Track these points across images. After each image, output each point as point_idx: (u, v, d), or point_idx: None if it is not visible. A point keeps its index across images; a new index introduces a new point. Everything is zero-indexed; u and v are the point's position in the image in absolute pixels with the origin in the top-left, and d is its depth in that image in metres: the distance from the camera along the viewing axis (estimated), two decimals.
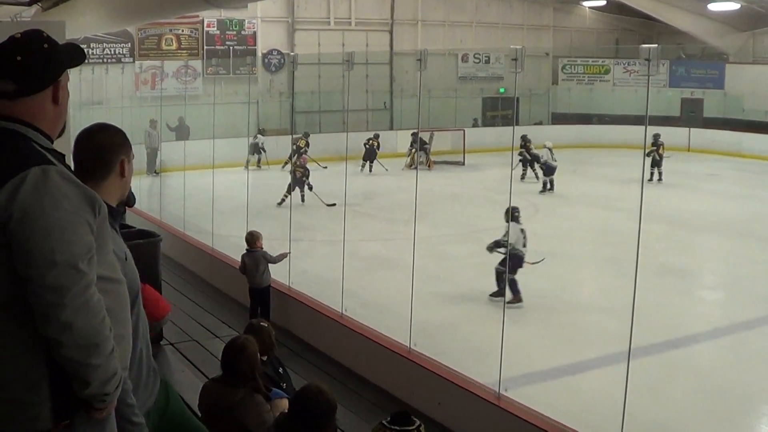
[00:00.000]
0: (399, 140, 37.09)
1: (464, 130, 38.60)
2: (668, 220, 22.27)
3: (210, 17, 37.32)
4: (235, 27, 38.43)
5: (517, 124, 42.13)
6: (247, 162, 30.17)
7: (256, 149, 32.76)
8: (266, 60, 39.08)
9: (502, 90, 45.10)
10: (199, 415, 6.57)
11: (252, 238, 14.36)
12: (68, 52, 3.70)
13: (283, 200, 24.53)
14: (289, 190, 22.99)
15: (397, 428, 4.72)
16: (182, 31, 37.32)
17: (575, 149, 41.04)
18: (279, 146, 29.72)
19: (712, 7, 42.62)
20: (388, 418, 4.81)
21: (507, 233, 15.45)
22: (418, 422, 4.81)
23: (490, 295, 16.38)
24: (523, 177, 31.35)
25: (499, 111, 45.64)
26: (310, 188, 25.49)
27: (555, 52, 47.69)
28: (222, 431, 6.12)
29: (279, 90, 39.02)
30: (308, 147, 31.36)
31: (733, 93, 45.09)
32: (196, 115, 31.04)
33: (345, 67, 14.12)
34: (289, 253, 14.71)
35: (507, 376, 10.30)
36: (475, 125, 41.79)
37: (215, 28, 37.98)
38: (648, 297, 16.19)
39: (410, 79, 39.42)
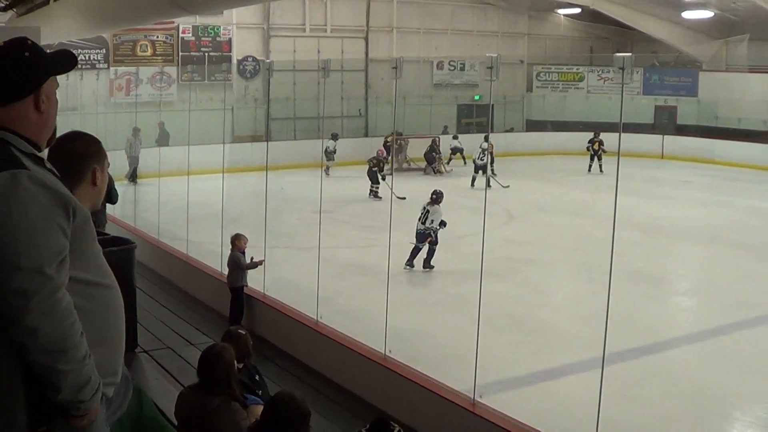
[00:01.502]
0: (374, 147, 37.11)
1: (438, 137, 38.63)
2: (641, 227, 22.37)
3: (185, 23, 37.22)
4: (211, 33, 38.36)
5: (492, 131, 42.26)
6: (327, 168, 32.52)
7: (327, 154, 33.96)
8: (241, 66, 39.00)
9: (476, 97, 45.17)
10: (175, 423, 6.57)
11: (233, 239, 14.85)
12: (55, 60, 3.70)
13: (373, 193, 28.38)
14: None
15: None
16: (157, 37, 37.23)
17: (549, 156, 41.19)
18: (254, 152, 29.65)
19: (686, 15, 42.86)
20: (367, 427, 4.82)
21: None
22: (397, 428, 4.82)
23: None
24: (472, 184, 32.51)
25: (474, 118, 45.71)
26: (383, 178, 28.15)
27: (530, 59, 47.83)
28: None
29: (254, 96, 38.98)
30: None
31: (707, 100, 45.33)
32: (170, 121, 31.01)
33: (321, 74, 14.20)
34: (263, 261, 14.81)
35: (482, 383, 10.32)
36: (444, 132, 41.76)
37: (190, 35, 37.90)
38: (621, 303, 16.29)
39: (385, 86, 39.40)
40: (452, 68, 45.65)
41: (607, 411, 9.02)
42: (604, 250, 9.25)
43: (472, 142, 37.82)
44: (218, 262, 15.97)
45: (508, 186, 31.46)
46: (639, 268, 18.70)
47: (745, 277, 19.37)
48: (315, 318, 13.24)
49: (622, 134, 19.45)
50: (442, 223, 19.47)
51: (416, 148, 36.45)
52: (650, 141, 42.30)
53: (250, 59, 39.33)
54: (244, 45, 39.44)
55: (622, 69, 8.53)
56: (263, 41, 39.93)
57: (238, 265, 14.70)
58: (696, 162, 39.46)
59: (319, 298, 13.44)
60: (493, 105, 42.72)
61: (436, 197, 19.20)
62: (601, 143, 37.33)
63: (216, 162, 19.71)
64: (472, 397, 10.05)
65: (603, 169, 36.33)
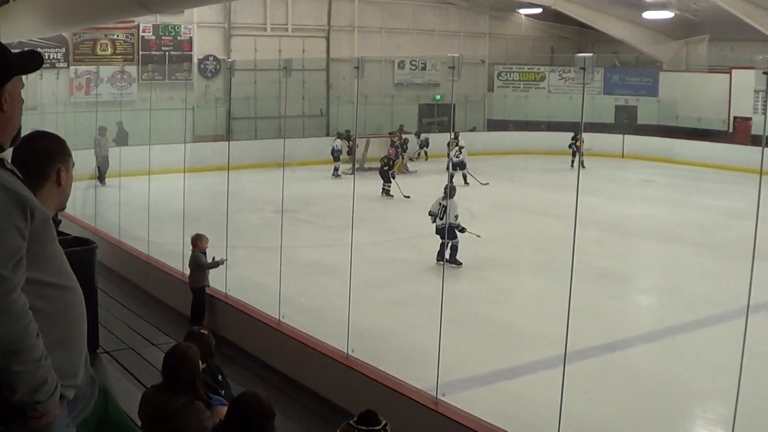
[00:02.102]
0: (335, 147, 37.13)
1: (404, 136, 38.58)
2: (602, 226, 22.49)
3: (146, 23, 37.03)
4: (171, 32, 38.20)
5: (454, 131, 42.34)
6: (336, 169, 34.71)
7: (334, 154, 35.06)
8: (202, 66, 38.85)
9: (438, 97, 45.23)
10: (138, 423, 6.55)
11: (194, 239, 14.82)
12: (21, 59, 3.67)
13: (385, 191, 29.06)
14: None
15: (364, 428, 4.73)
16: (117, 36, 37.02)
17: (510, 155, 41.31)
18: (215, 152, 29.52)
19: (647, 15, 43.15)
20: (355, 418, 4.83)
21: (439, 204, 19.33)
22: (384, 421, 4.83)
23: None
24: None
25: (435, 117, 45.77)
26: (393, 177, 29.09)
27: (491, 59, 47.92)
28: None
29: (215, 96, 38.85)
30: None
31: (667, 100, 45.67)
32: (131, 120, 30.84)
33: (283, 73, 14.17)
34: (225, 260, 14.82)
35: (445, 381, 10.35)
36: (401, 131, 41.77)
37: (151, 34, 37.72)
38: (583, 301, 16.34)
39: (347, 86, 39.43)
40: (414, 68, 45.69)
41: (569, 408, 9.06)
42: (566, 249, 9.30)
43: (433, 141, 37.95)
44: (180, 263, 15.92)
45: (487, 183, 31.77)
46: (600, 266, 18.79)
47: (706, 275, 19.51)
48: (277, 318, 13.23)
49: (584, 134, 19.55)
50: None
51: (381, 148, 36.42)
52: (611, 141, 42.55)
53: (211, 58, 39.21)
54: (204, 44, 39.30)
55: (584, 69, 8.56)
56: (224, 40, 39.81)
57: (200, 266, 14.70)
58: (656, 161, 39.70)
59: (282, 297, 13.43)
60: (454, 105, 42.80)
61: (450, 191, 19.18)
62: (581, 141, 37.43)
63: (177, 162, 19.63)
64: (435, 395, 10.07)
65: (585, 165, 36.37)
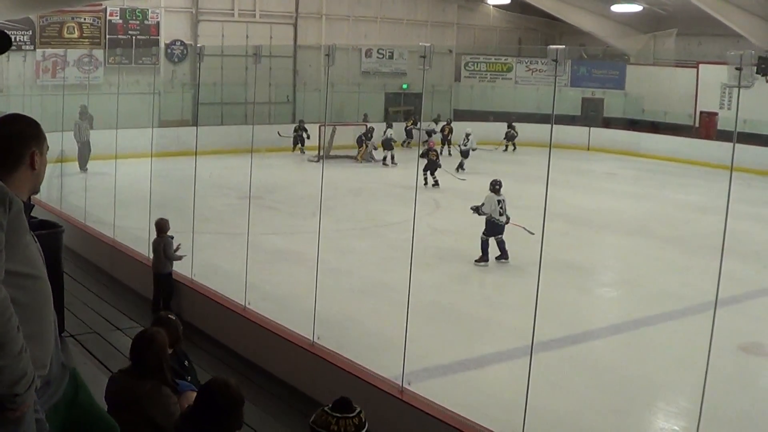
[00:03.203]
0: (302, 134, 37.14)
1: (369, 125, 38.55)
2: (567, 218, 22.57)
3: (113, 6, 36.80)
4: (138, 17, 37.96)
5: (420, 120, 42.41)
6: (384, 158, 35.66)
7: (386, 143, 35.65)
8: (169, 50, 38.66)
9: (405, 86, 45.27)
10: (105, 407, 6.52)
11: (160, 225, 14.79)
12: None
13: (426, 182, 28.70)
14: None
15: (338, 415, 4.74)
16: (84, 19, 36.74)
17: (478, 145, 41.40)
18: (181, 137, 29.37)
19: (615, 8, 43.36)
20: (330, 405, 4.83)
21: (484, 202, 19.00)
22: (358, 408, 4.84)
23: (475, 261, 18.75)
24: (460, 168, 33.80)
25: (401, 106, 45.78)
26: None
27: (458, 49, 47.98)
28: (128, 423, 6.06)
29: (181, 81, 38.68)
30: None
31: (634, 93, 45.94)
32: (97, 104, 30.65)
33: (252, 60, 14.08)
34: (185, 256, 14.85)
35: (410, 370, 10.37)
36: (365, 120, 41.80)
37: (118, 18, 37.46)
38: (547, 293, 16.41)
39: (313, 73, 39.38)
40: (381, 56, 45.66)
41: (532, 399, 9.11)
42: (530, 241, 9.34)
43: (401, 130, 37.95)
44: (145, 248, 15.83)
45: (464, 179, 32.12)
46: (565, 258, 18.86)
47: (669, 268, 19.63)
48: (243, 304, 13.21)
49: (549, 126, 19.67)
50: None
51: (347, 135, 36.40)
52: (577, 133, 42.76)
53: (178, 43, 39.01)
54: (172, 29, 39.10)
55: (556, 61, 8.58)
56: (191, 25, 39.63)
57: (166, 255, 14.68)
58: (622, 154, 39.91)
59: (247, 284, 13.41)
60: (421, 94, 42.88)
61: (499, 186, 19.34)
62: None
63: (143, 146, 19.56)
64: (400, 384, 10.09)
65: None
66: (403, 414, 9.86)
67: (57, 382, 4.15)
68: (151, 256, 15.07)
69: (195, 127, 27.96)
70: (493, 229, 19.08)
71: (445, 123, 41.26)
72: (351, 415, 4.78)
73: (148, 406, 6.42)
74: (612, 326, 15.76)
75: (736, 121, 28.07)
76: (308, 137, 36.41)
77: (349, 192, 28.21)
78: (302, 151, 36.00)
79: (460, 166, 33.86)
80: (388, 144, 36.66)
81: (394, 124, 40.09)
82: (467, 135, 34.93)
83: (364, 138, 36.37)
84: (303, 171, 31.25)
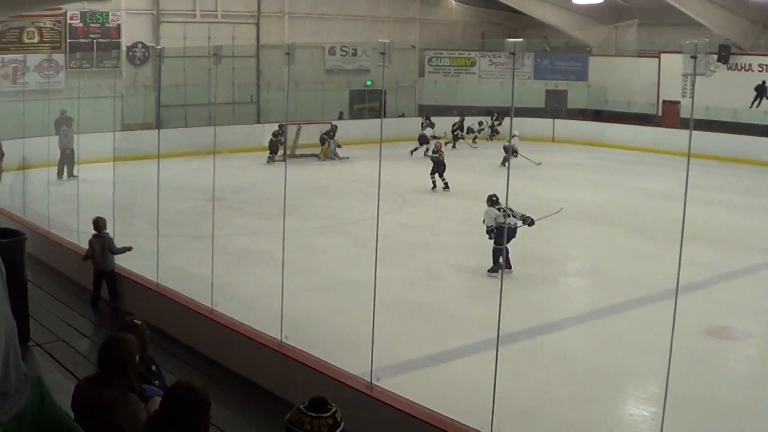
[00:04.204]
0: (267, 133, 36.99)
1: (333, 123, 38.48)
2: (533, 209, 22.60)
3: (73, 10, 36.53)
4: (99, 20, 37.72)
5: (384, 117, 42.41)
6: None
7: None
8: (131, 53, 38.45)
9: (369, 82, 45.26)
10: (72, 415, 6.49)
11: (100, 223, 15.13)
12: None
13: (434, 185, 28.60)
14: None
15: (313, 414, 4.74)
16: (44, 23, 36.48)
17: (442, 140, 41.38)
18: (144, 140, 29.24)
19: (576, 0, 43.58)
20: (306, 404, 4.83)
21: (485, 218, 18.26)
22: (334, 408, 4.84)
23: (489, 271, 17.76)
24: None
25: (366, 104, 45.77)
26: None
27: (422, 44, 48.06)
28: (95, 430, 6.04)
29: (144, 84, 38.48)
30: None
31: (597, 84, 46.19)
32: (59, 109, 30.50)
33: (212, 60, 14.05)
34: (131, 247, 15.13)
35: (379, 366, 10.40)
36: (341, 118, 41.85)
37: (78, 21, 37.20)
38: (514, 285, 16.57)
39: (277, 72, 39.25)
40: (344, 54, 45.64)
41: (501, 391, 9.14)
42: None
43: (366, 127, 37.90)
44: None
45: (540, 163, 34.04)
46: (531, 249, 18.93)
47: (635, 257, 19.74)
48: (210, 306, 13.19)
49: (515, 119, 19.76)
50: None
51: (312, 134, 36.32)
52: (541, 125, 42.95)
53: (139, 45, 38.82)
54: (133, 31, 38.88)
55: (513, 54, 8.61)
56: (153, 27, 39.45)
57: (111, 251, 15.07)
58: (587, 145, 40.09)
59: (214, 286, 13.40)
60: (385, 90, 42.91)
61: (496, 198, 18.56)
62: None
63: (107, 151, 19.44)
64: (370, 380, 10.10)
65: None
66: (373, 410, 9.87)
67: (17, 393, 4.12)
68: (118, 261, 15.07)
69: (157, 130, 27.87)
70: (501, 234, 17.96)
71: (459, 119, 41.79)
72: (325, 415, 4.79)
73: (115, 412, 6.38)
74: (579, 315, 15.86)
75: (692, 109, 28.33)
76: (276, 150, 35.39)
77: (315, 190, 28.19)
78: (274, 161, 35.12)
79: (503, 161, 34.02)
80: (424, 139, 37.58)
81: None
82: (513, 135, 34.90)
83: (326, 137, 36.32)
84: (268, 171, 31.17)
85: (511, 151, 33.42)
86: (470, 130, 42.08)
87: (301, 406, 4.83)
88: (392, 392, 10.02)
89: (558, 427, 11.07)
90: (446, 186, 28.73)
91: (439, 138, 35.68)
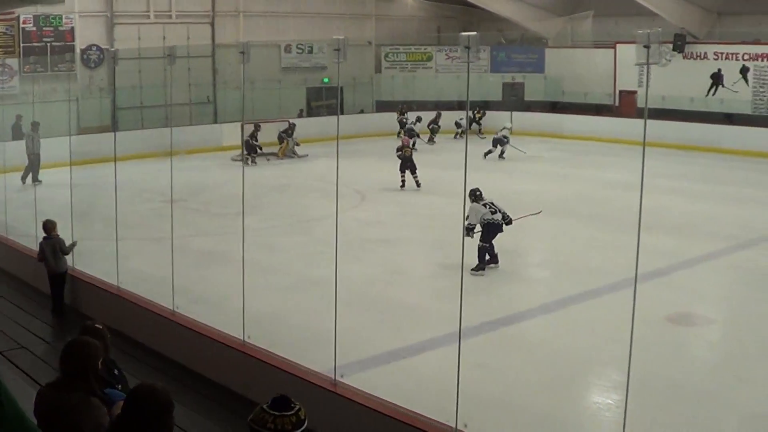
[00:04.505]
0: (224, 133, 36.86)
1: (291, 121, 38.35)
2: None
3: (26, 14, 36.20)
4: (53, 23, 37.37)
5: (342, 113, 42.38)
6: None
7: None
8: (85, 56, 38.14)
9: (326, 80, 45.16)
10: (35, 421, 6.44)
11: (50, 226, 15.28)
12: None
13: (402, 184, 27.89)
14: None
15: (276, 413, 4.73)
16: None
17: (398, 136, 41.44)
18: (101, 143, 29.02)
19: None
20: (268, 403, 4.82)
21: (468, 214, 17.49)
22: (297, 406, 4.83)
23: (472, 270, 17.44)
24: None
25: (324, 101, 45.69)
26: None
27: (377, 40, 47.97)
28: None
29: (99, 86, 38.20)
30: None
31: (553, 76, 46.37)
32: (13, 115, 30.28)
33: (167, 61, 13.98)
34: (76, 242, 15.43)
35: (343, 363, 10.41)
36: (300, 116, 41.78)
37: (31, 25, 36.84)
38: (476, 277, 16.61)
39: (233, 72, 39.01)
40: (300, 51, 45.52)
41: (466, 383, 9.17)
42: (456, 227, 9.38)
43: (324, 124, 37.83)
44: (69, 258, 15.67)
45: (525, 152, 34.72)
46: (494, 242, 18.97)
47: (594, 246, 19.86)
48: (171, 308, 13.14)
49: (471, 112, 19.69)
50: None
51: (270, 133, 36.19)
52: (499, 117, 43.01)
53: (94, 48, 38.49)
54: (87, 34, 38.53)
55: (468, 48, 8.61)
56: (107, 29, 39.13)
57: (63, 251, 15.23)
58: (545, 137, 40.22)
59: (175, 288, 13.36)
60: (342, 87, 42.85)
61: (480, 192, 18.32)
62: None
63: (63, 155, 19.30)
64: (333, 377, 10.11)
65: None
66: (338, 406, 9.90)
67: None
68: (79, 265, 15.00)
69: (113, 133, 27.69)
70: (493, 231, 18.01)
71: (436, 114, 42.00)
72: (288, 413, 4.78)
73: (78, 417, 6.34)
74: (541, 306, 15.90)
75: (646, 98, 28.54)
76: (260, 148, 34.95)
77: (274, 189, 28.14)
78: (253, 161, 34.63)
79: (500, 154, 35.19)
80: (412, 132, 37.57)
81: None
82: (504, 127, 36.01)
83: (284, 135, 36.22)
84: (226, 171, 31.00)
85: (500, 144, 34.01)
86: (458, 125, 42.36)
87: (264, 406, 4.82)
88: (356, 388, 10.04)
89: (523, 417, 11.12)
90: (417, 184, 28.06)
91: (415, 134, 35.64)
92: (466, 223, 17.54)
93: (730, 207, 24.93)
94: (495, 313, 15.01)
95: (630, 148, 30.95)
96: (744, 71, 39.40)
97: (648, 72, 8.50)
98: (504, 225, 17.98)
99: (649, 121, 9.80)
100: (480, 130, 42.15)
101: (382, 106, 46.95)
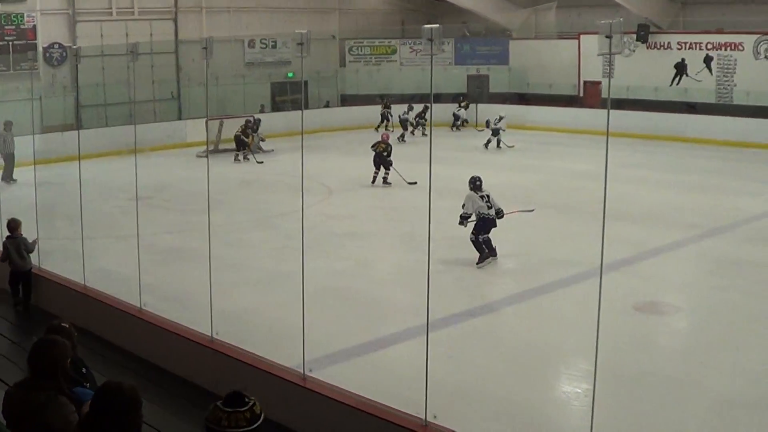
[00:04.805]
0: (189, 129, 36.75)
1: (256, 117, 38.21)
2: (458, 195, 22.66)
3: None
4: (14, 21, 37.10)
5: (307, 108, 42.36)
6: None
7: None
8: (48, 54, 37.89)
9: (290, 74, 45.07)
10: (4, 422, 6.41)
11: (14, 225, 15.28)
12: None
13: (373, 179, 27.53)
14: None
15: (229, 410, 4.72)
16: None
17: (366, 130, 41.41)
18: (65, 142, 28.86)
19: None
20: (222, 400, 4.81)
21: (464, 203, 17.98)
22: (251, 401, 4.81)
23: (477, 264, 17.72)
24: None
25: (288, 95, 45.60)
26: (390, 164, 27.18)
27: (341, 34, 47.99)
28: None
29: (62, 84, 37.96)
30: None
31: (518, 68, 46.53)
32: None
33: (130, 58, 13.90)
34: (38, 239, 15.43)
35: (312, 358, 10.42)
36: (261, 111, 41.66)
37: None
38: (444, 270, 16.63)
39: (197, 68, 38.79)
40: (264, 46, 45.44)
41: (436, 374, 9.20)
42: (424, 220, 9.39)
43: (289, 119, 37.72)
44: (35, 257, 15.58)
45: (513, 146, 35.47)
46: (458, 235, 18.98)
47: (560, 237, 19.94)
48: (138, 306, 13.09)
49: (436, 104, 19.69)
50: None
51: (235, 128, 36.07)
52: (464, 110, 43.21)
53: (56, 46, 38.24)
54: (49, 31, 38.28)
55: (431, 41, 8.62)
56: (69, 27, 38.89)
57: (27, 249, 15.21)
58: (510, 128, 40.25)
59: (142, 285, 13.30)
60: (306, 81, 42.81)
61: (480, 182, 18.39)
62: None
63: (26, 154, 19.19)
64: (303, 372, 10.10)
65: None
66: (307, 401, 9.90)
67: None
68: (44, 264, 14.92)
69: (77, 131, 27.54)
70: (484, 225, 18.05)
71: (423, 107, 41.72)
72: (242, 409, 4.77)
73: (46, 416, 6.31)
74: (509, 297, 16.01)
75: (609, 89, 28.62)
76: (248, 145, 34.62)
77: (240, 185, 28.07)
78: (245, 157, 34.38)
79: (497, 144, 36.05)
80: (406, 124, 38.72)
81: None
82: (501, 117, 36.40)
83: (250, 130, 36.10)
84: (192, 167, 30.84)
85: (496, 134, 34.30)
86: (456, 116, 42.89)
87: (218, 403, 4.82)
88: (326, 382, 10.04)
89: (492, 407, 11.15)
90: (384, 180, 27.67)
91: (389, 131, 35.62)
92: (462, 211, 18.02)
93: (695, 196, 25.12)
94: (463, 305, 15.07)
95: (595, 139, 31.02)
96: (707, 60, 39.68)
97: (611, 62, 8.54)
98: (497, 220, 18.00)
99: (614, 112, 9.84)
100: (464, 123, 43.09)
101: (347, 100, 47.01)
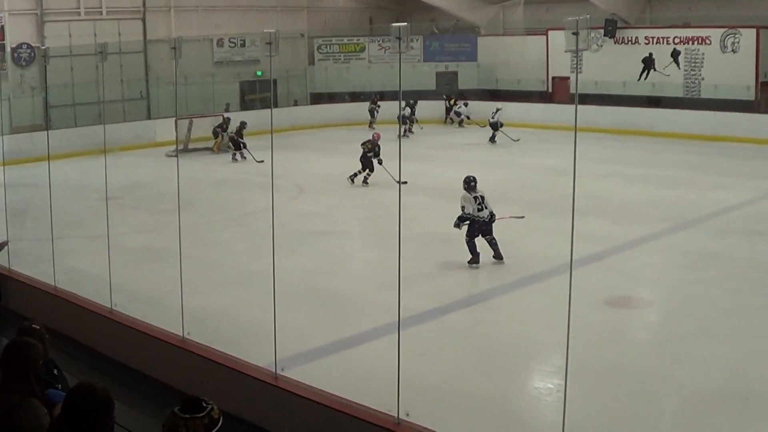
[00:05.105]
0: (158, 129, 36.64)
1: (226, 116, 38.14)
2: (430, 191, 22.78)
3: None
4: None
5: (276, 106, 42.31)
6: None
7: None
8: (16, 54, 37.73)
9: (259, 73, 45.02)
10: None
11: None
12: None
13: (354, 176, 27.20)
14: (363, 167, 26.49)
15: (187, 416, 4.69)
16: None
17: (334, 127, 41.42)
18: (35, 142, 28.69)
19: None
20: (179, 406, 4.77)
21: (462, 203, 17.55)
22: (209, 406, 4.79)
23: (468, 262, 17.55)
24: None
25: (257, 94, 45.53)
26: (380, 162, 26.43)
27: (310, 32, 48.00)
28: None
29: (31, 85, 37.77)
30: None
31: (486, 64, 46.65)
32: None
33: (98, 58, 13.85)
34: (8, 241, 15.02)
35: (284, 356, 10.38)
36: (227, 110, 41.54)
37: None
38: (416, 267, 16.63)
39: (166, 67, 38.70)
40: (233, 45, 45.38)
41: (408, 372, 9.22)
42: (395, 217, 9.39)
43: (259, 117, 37.63)
44: (5, 259, 15.49)
45: (518, 139, 35.75)
46: (430, 231, 19.03)
47: (532, 232, 19.92)
48: (109, 306, 13.03)
49: (432, 101, 19.64)
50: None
51: (204, 128, 36.01)
52: (433, 107, 43.26)
53: (24, 46, 38.06)
54: (17, 32, 38.11)
55: (399, 39, 8.62)
56: (37, 27, 38.72)
57: None
58: (479, 125, 40.35)
59: (113, 285, 13.24)
60: (275, 80, 42.73)
61: (474, 182, 18.01)
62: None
63: None
64: (275, 371, 10.08)
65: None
66: (279, 400, 9.88)
67: None
68: (15, 266, 14.84)
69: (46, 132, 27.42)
70: (475, 227, 17.72)
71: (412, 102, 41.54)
72: (200, 414, 4.74)
73: (18, 419, 6.28)
74: (481, 293, 16.06)
75: (576, 84, 28.82)
76: (244, 145, 33.85)
77: (211, 184, 27.99)
78: (242, 156, 33.93)
79: (491, 138, 36.46)
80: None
81: None
82: (498, 109, 36.90)
83: (219, 130, 36.02)
84: (162, 167, 30.72)
85: (495, 128, 34.51)
86: (458, 114, 43.19)
87: (176, 409, 4.79)
88: (298, 381, 10.02)
89: (465, 404, 11.15)
90: (364, 181, 27.19)
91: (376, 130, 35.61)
92: (461, 213, 17.77)
93: (665, 190, 25.23)
94: (435, 302, 15.06)
95: (564, 134, 31.22)
96: (675, 55, 39.91)
97: (578, 58, 8.58)
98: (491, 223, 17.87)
99: (583, 107, 9.91)
100: (467, 118, 42.92)
101: (317, 98, 47.02)
